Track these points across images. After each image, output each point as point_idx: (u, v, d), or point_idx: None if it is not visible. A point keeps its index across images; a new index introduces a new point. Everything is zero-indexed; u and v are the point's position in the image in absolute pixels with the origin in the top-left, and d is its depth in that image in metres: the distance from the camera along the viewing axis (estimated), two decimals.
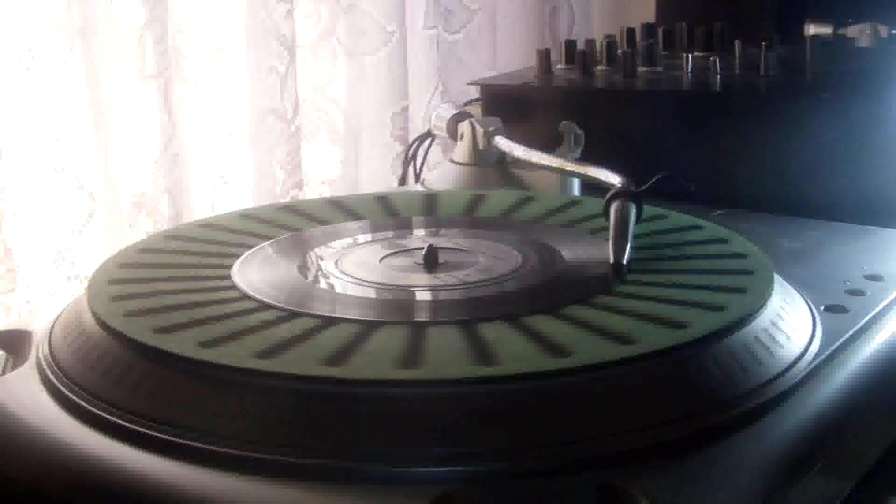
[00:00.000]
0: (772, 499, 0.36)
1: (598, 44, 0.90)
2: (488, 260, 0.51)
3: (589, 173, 0.63)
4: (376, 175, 1.04)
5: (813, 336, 0.45)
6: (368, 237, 0.56)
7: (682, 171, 0.58)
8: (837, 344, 0.45)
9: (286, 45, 0.91)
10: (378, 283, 0.49)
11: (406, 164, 0.91)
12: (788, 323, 0.45)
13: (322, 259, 0.52)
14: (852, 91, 0.73)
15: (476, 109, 0.85)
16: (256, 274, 0.50)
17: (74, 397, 0.41)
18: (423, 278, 0.50)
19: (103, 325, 0.44)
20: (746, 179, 0.72)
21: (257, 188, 0.93)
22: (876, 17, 0.91)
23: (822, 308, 0.48)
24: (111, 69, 0.80)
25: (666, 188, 0.56)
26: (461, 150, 0.74)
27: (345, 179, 1.03)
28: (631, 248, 0.50)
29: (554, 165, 0.68)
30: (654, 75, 0.84)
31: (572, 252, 0.52)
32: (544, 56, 0.87)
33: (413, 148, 0.90)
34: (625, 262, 0.49)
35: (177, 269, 0.51)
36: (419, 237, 0.57)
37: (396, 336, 0.42)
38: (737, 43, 0.83)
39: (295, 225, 0.58)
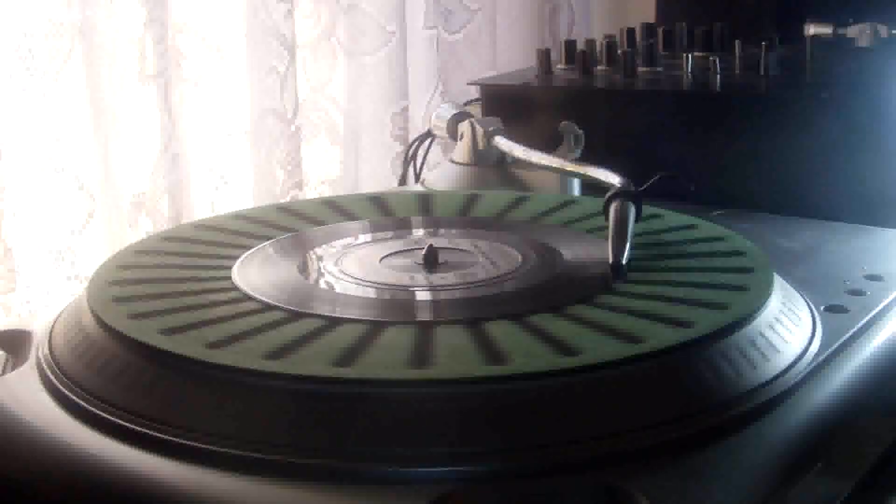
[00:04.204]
0: (772, 499, 0.36)
1: (598, 44, 0.90)
2: (488, 260, 0.51)
3: (589, 173, 0.63)
4: (376, 175, 1.04)
5: (813, 336, 0.45)
6: (368, 237, 0.56)
7: (681, 171, 0.58)
8: (837, 344, 0.45)
9: (286, 45, 0.91)
10: (379, 284, 0.49)
11: (406, 164, 0.91)
12: (788, 323, 0.45)
13: (322, 259, 0.52)
14: (852, 91, 0.73)
15: (476, 109, 0.85)
16: (256, 274, 0.50)
17: (74, 397, 0.41)
18: (423, 278, 0.50)
19: (103, 325, 0.44)
20: (746, 179, 0.72)
21: (257, 188, 0.93)
22: (876, 17, 0.91)
23: (822, 308, 0.48)
24: (111, 69, 0.80)
25: (666, 188, 0.57)
26: (461, 150, 0.74)
27: (345, 179, 1.03)
28: (630, 247, 0.50)
29: (554, 165, 0.68)
30: (654, 75, 0.84)
31: (572, 251, 0.52)
32: (544, 56, 0.87)
33: (413, 148, 0.90)
34: (624, 261, 0.49)
35: (177, 270, 0.51)
36: (419, 237, 0.57)
37: (396, 336, 0.42)
38: (737, 43, 0.83)
39: (291, 226, 0.58)
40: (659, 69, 0.85)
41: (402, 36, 1.03)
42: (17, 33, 0.75)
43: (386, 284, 0.48)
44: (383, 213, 0.61)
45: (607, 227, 0.52)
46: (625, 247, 0.50)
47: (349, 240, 0.55)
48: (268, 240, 0.55)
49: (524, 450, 0.36)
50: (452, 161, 0.75)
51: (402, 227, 0.59)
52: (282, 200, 0.91)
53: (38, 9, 0.76)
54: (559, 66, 0.90)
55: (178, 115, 0.86)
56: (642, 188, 0.55)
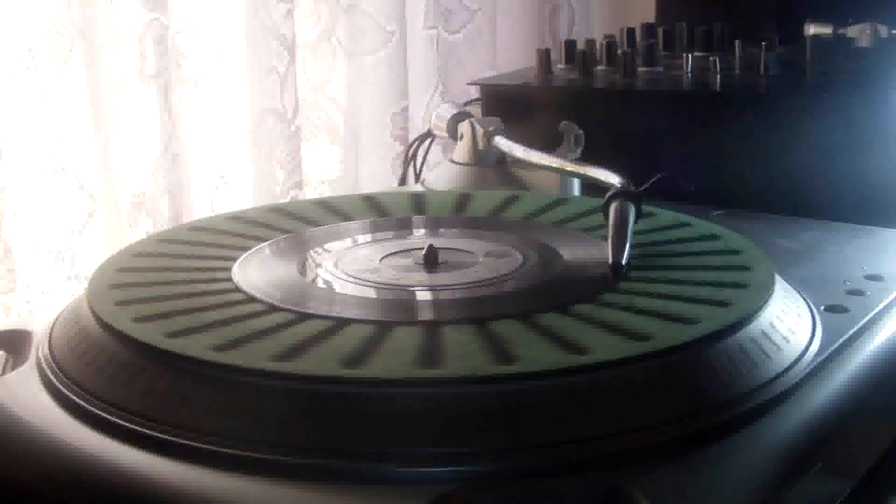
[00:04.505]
0: (772, 499, 0.36)
1: (598, 44, 0.90)
2: (488, 259, 0.51)
3: (588, 173, 0.63)
4: (376, 175, 1.04)
5: (813, 336, 0.45)
6: (368, 237, 0.56)
7: (681, 171, 0.58)
8: (837, 344, 0.44)
9: (286, 45, 0.91)
10: (379, 284, 0.49)
11: (406, 164, 0.91)
12: (788, 323, 0.45)
13: (322, 259, 0.52)
14: (852, 91, 0.73)
15: (476, 109, 0.85)
16: (257, 274, 0.50)
17: (74, 397, 0.41)
18: (422, 278, 0.50)
19: (103, 325, 0.44)
20: (746, 179, 0.72)
21: (257, 188, 0.93)
22: (876, 17, 0.91)
23: (822, 308, 0.48)
24: (111, 69, 0.80)
25: (666, 188, 0.56)
26: (461, 150, 0.74)
27: (345, 179, 1.03)
28: (630, 248, 0.50)
29: (554, 165, 0.68)
30: (654, 75, 0.84)
31: (571, 252, 0.52)
32: (544, 56, 0.87)
33: (413, 148, 0.90)
34: (624, 262, 0.49)
35: (177, 270, 0.51)
36: (419, 237, 0.57)
37: (396, 336, 0.42)
38: (737, 43, 0.83)
39: (286, 227, 0.58)
40: (659, 69, 0.85)
41: (402, 36, 1.03)
42: (17, 33, 0.75)
43: (385, 284, 0.48)
44: (378, 214, 0.61)
45: (607, 228, 0.52)
46: (624, 247, 0.49)
47: (347, 240, 0.55)
48: (262, 241, 0.55)
49: (524, 450, 0.36)
50: (452, 161, 0.75)
51: (400, 226, 0.59)
52: (282, 200, 0.91)
53: (38, 9, 0.76)
54: (559, 66, 0.90)
55: (178, 115, 0.86)
56: (642, 188, 0.55)
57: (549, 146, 0.72)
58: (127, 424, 0.38)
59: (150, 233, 0.83)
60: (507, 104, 0.84)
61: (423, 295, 0.48)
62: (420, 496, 0.34)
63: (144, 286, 0.48)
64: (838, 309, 0.48)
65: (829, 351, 0.44)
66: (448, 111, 0.78)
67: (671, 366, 0.40)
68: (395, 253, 0.53)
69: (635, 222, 0.52)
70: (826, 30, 0.94)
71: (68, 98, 0.78)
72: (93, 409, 0.40)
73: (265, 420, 0.38)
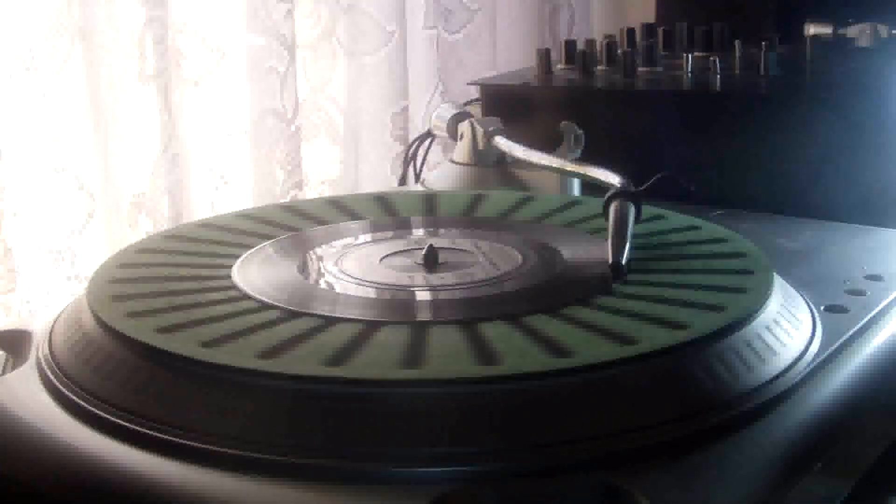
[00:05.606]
0: (772, 499, 0.36)
1: (598, 44, 0.90)
2: (488, 260, 0.51)
3: (588, 173, 0.63)
4: (376, 175, 1.04)
5: (813, 336, 0.45)
6: (368, 237, 0.56)
7: (682, 171, 0.58)
8: (837, 344, 0.44)
9: (286, 45, 0.91)
10: (377, 283, 0.49)
11: (406, 164, 0.91)
12: (788, 323, 0.45)
13: (322, 259, 0.52)
14: (852, 91, 0.73)
15: (476, 109, 0.85)
16: (256, 274, 0.50)
17: (74, 397, 0.41)
18: (422, 278, 0.50)
19: (103, 325, 0.44)
20: (746, 179, 0.72)
21: (257, 188, 0.93)
22: (876, 17, 0.91)
23: (822, 308, 0.48)
24: (111, 69, 0.80)
25: (666, 188, 0.57)
26: (461, 150, 0.74)
27: (345, 179, 1.03)
28: (630, 247, 0.50)
29: (554, 165, 0.68)
30: (654, 75, 0.84)
31: (572, 252, 0.52)
32: (544, 56, 0.87)
33: (413, 148, 0.90)
34: (624, 261, 0.49)
35: (177, 269, 0.51)
36: (420, 237, 0.57)
37: (396, 336, 0.42)
38: (737, 43, 0.83)
39: (295, 225, 0.58)
40: (659, 69, 0.85)
41: (402, 36, 1.03)
42: (17, 33, 0.75)
43: (384, 284, 0.48)
44: (387, 213, 0.61)
45: (607, 228, 0.52)
46: (624, 247, 0.50)
47: (350, 239, 0.55)
48: (269, 239, 0.55)
49: (524, 450, 0.36)
50: (452, 161, 0.75)
51: (403, 226, 0.59)
52: (282, 200, 0.91)
53: (38, 9, 0.76)
54: (559, 66, 0.90)
55: (178, 115, 0.86)
56: (642, 188, 0.55)
57: (549, 146, 0.72)
58: (127, 424, 0.38)
59: (150, 232, 0.83)
60: (507, 104, 0.84)
61: (421, 295, 0.48)
62: (420, 496, 0.34)
63: (144, 286, 0.48)
64: (838, 309, 0.48)
65: (829, 351, 0.44)
66: (448, 111, 0.78)
67: (671, 366, 0.40)
68: (396, 253, 0.53)
69: (635, 222, 0.52)
70: (826, 30, 0.94)
71: (68, 98, 0.78)
72: (93, 409, 0.40)
73: (265, 420, 0.37)
